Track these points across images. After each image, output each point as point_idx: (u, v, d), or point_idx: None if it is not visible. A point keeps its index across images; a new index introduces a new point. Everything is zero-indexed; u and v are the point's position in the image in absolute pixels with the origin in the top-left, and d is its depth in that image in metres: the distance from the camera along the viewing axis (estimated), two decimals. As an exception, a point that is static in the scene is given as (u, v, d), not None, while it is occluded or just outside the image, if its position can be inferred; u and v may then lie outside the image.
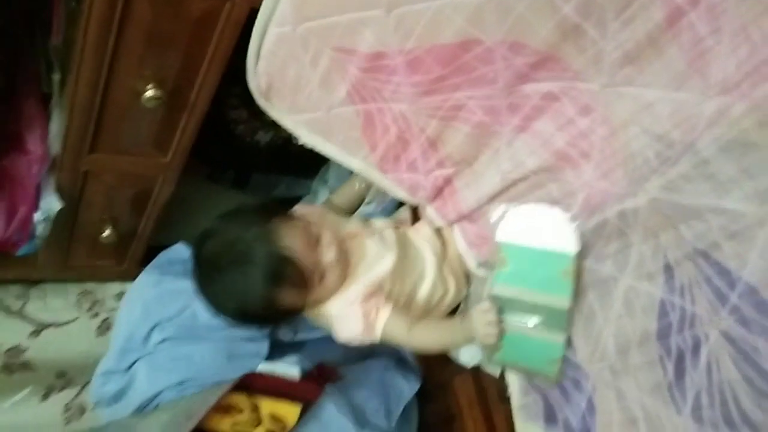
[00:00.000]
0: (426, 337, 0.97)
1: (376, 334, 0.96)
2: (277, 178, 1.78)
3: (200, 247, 0.94)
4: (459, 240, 1.00)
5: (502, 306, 0.85)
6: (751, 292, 0.64)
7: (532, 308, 0.83)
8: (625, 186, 0.76)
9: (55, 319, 1.47)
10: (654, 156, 0.73)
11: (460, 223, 0.99)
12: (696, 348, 0.70)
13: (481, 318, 0.87)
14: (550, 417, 0.87)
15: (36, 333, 1.44)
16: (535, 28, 0.73)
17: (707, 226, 0.68)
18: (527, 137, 0.84)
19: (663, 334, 0.73)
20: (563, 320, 0.82)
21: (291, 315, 0.96)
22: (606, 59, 0.72)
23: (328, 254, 0.92)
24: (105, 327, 1.52)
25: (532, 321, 0.84)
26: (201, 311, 1.10)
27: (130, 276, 1.48)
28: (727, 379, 0.66)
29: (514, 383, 0.93)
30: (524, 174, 0.86)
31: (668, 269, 0.72)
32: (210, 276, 0.93)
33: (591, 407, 0.82)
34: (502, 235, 0.86)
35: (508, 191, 0.89)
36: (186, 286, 1.12)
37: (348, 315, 0.96)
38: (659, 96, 0.71)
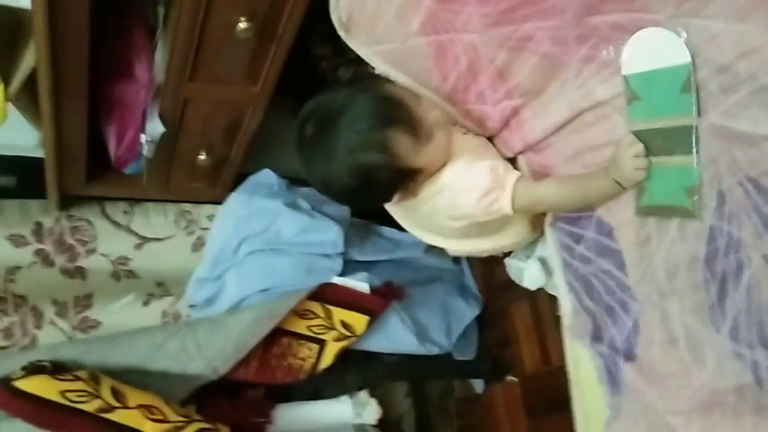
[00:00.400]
0: (567, 191, 0.93)
1: (507, 192, 0.92)
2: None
3: (302, 127, 0.94)
4: (523, 170, 1.04)
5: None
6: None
7: (665, 134, 0.82)
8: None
9: (156, 234, 1.63)
10: (718, 88, 0.75)
11: (525, 153, 1.04)
12: (739, 271, 0.73)
13: (627, 152, 0.83)
14: (596, 336, 0.93)
15: (140, 246, 1.60)
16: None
17: (761, 154, 0.70)
18: (595, 67, 0.87)
19: (710, 258, 0.77)
20: (691, 140, 0.79)
21: (407, 175, 0.92)
22: (672, -10, 0.74)
23: (434, 111, 0.93)
24: (199, 244, 1.67)
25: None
26: (285, 228, 1.22)
27: (222, 199, 1.61)
28: (766, 301, 0.70)
29: (566, 305, 0.99)
30: (592, 103, 0.89)
31: (721, 196, 0.75)
32: (316, 145, 0.91)
33: (636, 327, 0.87)
34: (625, 68, 0.84)
35: (575, 122, 0.93)
36: (272, 205, 1.24)
37: (473, 170, 0.93)
38: (723, 27, 0.72)
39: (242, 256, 1.22)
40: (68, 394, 1.00)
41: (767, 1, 0.68)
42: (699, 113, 0.77)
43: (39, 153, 1.35)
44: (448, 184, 0.95)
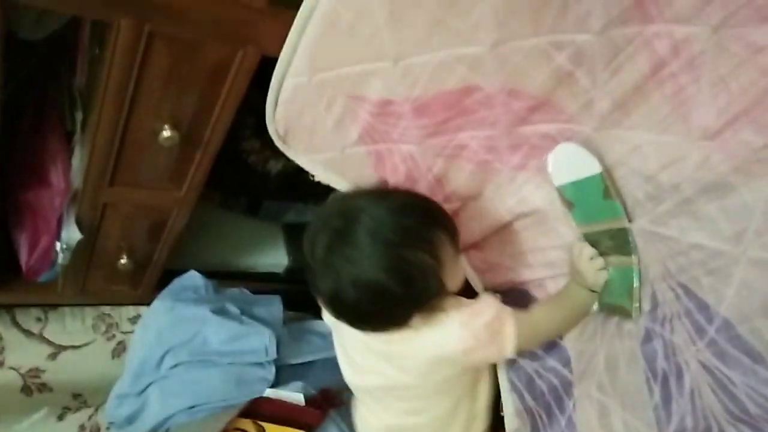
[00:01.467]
0: (555, 322, 0.88)
1: (509, 344, 0.82)
2: (288, 204, 1.83)
3: (316, 234, 0.82)
4: (465, 266, 1.04)
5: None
6: (727, 327, 0.68)
7: (609, 235, 0.83)
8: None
9: (73, 342, 1.51)
10: (644, 197, 0.77)
11: (466, 251, 1.04)
12: (680, 375, 0.73)
13: (582, 259, 0.84)
14: None
15: (54, 355, 1.48)
16: (531, 76, 0.78)
17: (689, 261, 0.72)
18: (528, 174, 0.88)
19: (650, 359, 0.77)
20: (628, 242, 0.80)
21: (439, 291, 0.80)
22: (596, 105, 0.77)
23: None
24: (120, 349, 1.57)
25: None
26: (212, 336, 1.15)
27: (146, 300, 1.53)
28: (709, 406, 0.70)
29: (508, 406, 0.96)
30: (528, 209, 0.91)
31: (654, 299, 0.77)
32: (345, 242, 0.77)
33: (571, 425, 0.86)
34: (554, 180, 0.86)
35: (513, 224, 0.95)
36: (198, 312, 1.17)
37: (470, 327, 0.82)
38: (646, 139, 0.75)
39: (166, 369, 1.14)
40: None
41: (685, 116, 0.71)
42: (629, 218, 0.79)
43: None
44: (449, 314, 0.83)
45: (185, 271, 1.46)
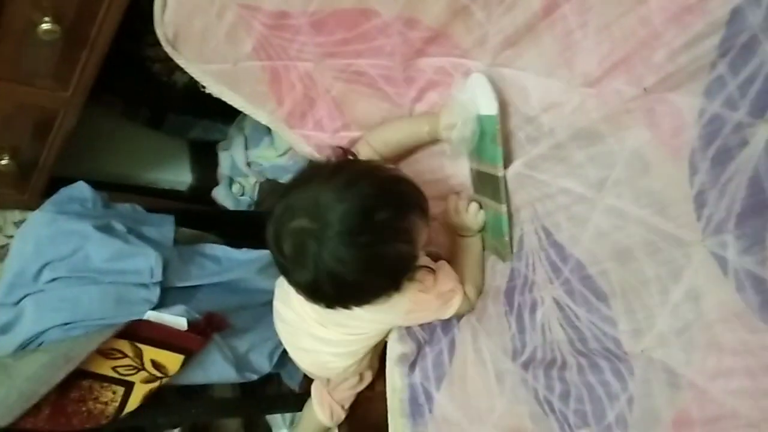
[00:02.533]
0: (479, 280, 0.92)
1: (455, 305, 0.89)
2: (193, 120, 1.77)
3: (278, 240, 0.75)
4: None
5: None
6: (579, 268, 0.72)
7: (487, 179, 0.85)
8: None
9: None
10: (524, 138, 0.79)
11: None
12: (533, 309, 0.78)
13: (468, 216, 0.90)
14: (412, 365, 0.94)
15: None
16: (428, 5, 0.76)
17: (555, 205, 0.75)
18: (424, 107, 0.88)
19: (509, 293, 0.82)
20: (500, 191, 0.83)
21: (412, 262, 0.79)
22: (490, 41, 0.77)
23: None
24: (3, 254, 1.49)
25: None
26: (94, 253, 1.10)
27: (32, 206, 1.44)
28: (556, 340, 0.75)
29: (393, 333, 0.99)
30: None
31: (520, 242, 0.80)
32: (314, 250, 0.72)
33: (452, 345, 0.91)
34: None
35: (408, 157, 0.96)
36: (81, 227, 1.12)
37: (422, 299, 0.86)
38: (533, 81, 0.76)
39: (43, 283, 1.09)
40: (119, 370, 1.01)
41: (570, 60, 0.72)
42: (505, 165, 0.80)
43: None
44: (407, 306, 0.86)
45: (79, 179, 1.39)
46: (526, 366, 0.77)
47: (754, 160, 0.55)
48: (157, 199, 1.68)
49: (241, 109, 1.03)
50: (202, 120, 1.77)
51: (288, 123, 1.01)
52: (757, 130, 0.55)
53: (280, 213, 0.75)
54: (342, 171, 0.75)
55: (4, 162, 1.24)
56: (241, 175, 1.77)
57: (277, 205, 0.76)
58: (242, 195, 1.80)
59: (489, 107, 0.80)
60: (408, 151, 0.96)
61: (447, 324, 0.93)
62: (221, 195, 1.80)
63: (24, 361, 1.00)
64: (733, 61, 0.56)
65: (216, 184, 1.82)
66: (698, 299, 0.60)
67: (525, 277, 0.79)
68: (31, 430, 0.99)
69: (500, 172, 0.81)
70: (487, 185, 0.85)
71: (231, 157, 1.75)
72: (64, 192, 1.24)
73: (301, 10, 0.82)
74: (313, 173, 0.77)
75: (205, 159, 1.83)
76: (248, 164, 1.72)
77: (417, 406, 0.90)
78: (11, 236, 1.50)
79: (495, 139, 0.80)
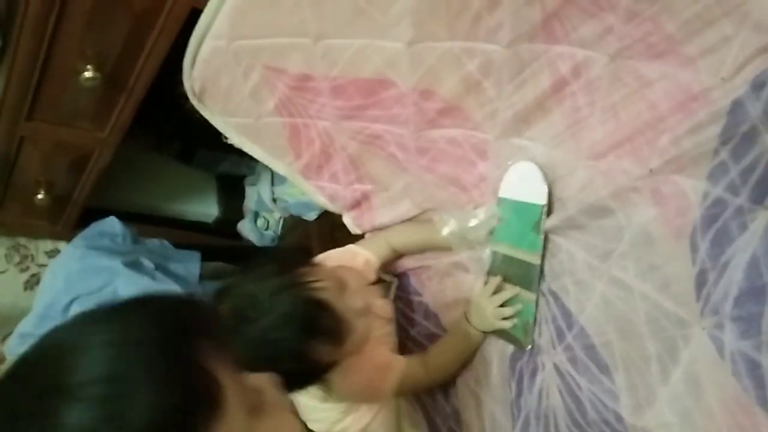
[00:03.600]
0: (446, 367, 0.92)
1: (392, 383, 0.90)
2: (222, 155, 1.82)
3: (223, 299, 0.81)
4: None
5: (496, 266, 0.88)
6: (583, 336, 0.73)
7: (518, 265, 0.84)
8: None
9: (-16, 269, 1.50)
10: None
11: (373, 233, 1.07)
12: (533, 374, 0.79)
13: (491, 304, 0.85)
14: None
15: (-37, 281, 1.47)
16: (443, 79, 0.79)
17: (562, 269, 0.77)
18: (435, 177, 0.91)
19: (514, 359, 0.83)
20: (534, 279, 0.82)
21: (323, 372, 0.84)
22: (500, 115, 0.80)
23: (358, 301, 0.83)
24: (34, 282, 1.55)
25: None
26: (122, 289, 1.15)
27: (64, 236, 1.51)
28: (552, 406, 0.76)
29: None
30: (434, 205, 0.95)
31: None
32: (238, 333, 0.78)
33: (456, 414, 0.92)
34: (501, 190, 0.86)
35: (421, 217, 0.98)
36: (110, 263, 1.17)
37: (354, 372, 0.87)
38: (541, 151, 0.79)
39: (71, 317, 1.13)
40: None
41: (577, 134, 0.74)
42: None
43: None
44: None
45: (111, 210, 1.45)
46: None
47: (753, 245, 0.57)
48: (185, 232, 1.73)
49: (260, 160, 1.07)
50: (231, 155, 1.82)
51: (304, 175, 1.05)
52: (756, 215, 0.57)
53: (224, 288, 0.81)
54: (271, 279, 0.79)
55: (40, 196, 1.31)
56: (266, 210, 1.81)
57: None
58: (267, 229, 1.83)
59: (538, 196, 0.80)
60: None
61: (447, 391, 0.94)
62: (246, 228, 1.84)
63: None
64: (734, 148, 0.58)
65: (242, 217, 1.87)
66: (697, 382, 0.61)
67: (532, 340, 0.81)
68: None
69: (537, 260, 0.81)
70: (517, 271, 0.84)
71: (257, 193, 1.80)
72: (96, 227, 1.30)
73: (324, 75, 0.85)
74: (255, 269, 0.83)
75: (232, 193, 1.88)
76: (274, 200, 1.76)
77: None
78: (43, 265, 1.56)
79: (538, 227, 0.80)
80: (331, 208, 1.08)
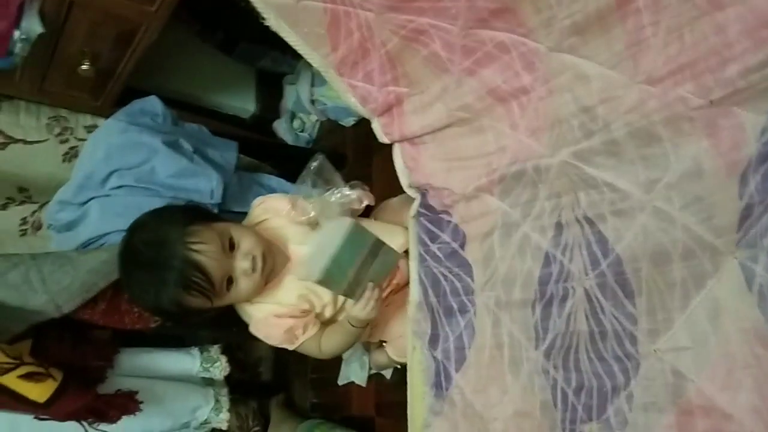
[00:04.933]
0: (334, 345, 1.03)
1: (295, 347, 1.02)
2: (264, 50, 1.80)
3: (129, 238, 0.98)
4: (397, 158, 1.07)
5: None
6: (617, 263, 0.73)
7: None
8: (546, 147, 0.83)
9: (25, 136, 1.52)
10: (578, 126, 0.79)
11: (401, 143, 1.06)
12: (564, 299, 0.80)
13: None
14: (433, 339, 0.99)
15: (4, 145, 1.49)
16: (500, -25, 0.76)
17: (601, 198, 0.76)
18: (475, 82, 0.89)
19: (543, 281, 0.83)
20: None
21: (202, 315, 0.98)
22: (557, 24, 0.76)
23: (243, 263, 0.94)
24: (72, 154, 1.57)
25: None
26: (160, 167, 1.16)
27: (104, 113, 1.52)
28: (578, 330, 0.77)
29: (414, 294, 1.03)
30: (468, 115, 0.92)
31: (559, 227, 0.81)
32: (130, 270, 0.97)
33: (471, 329, 0.93)
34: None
35: (450, 128, 0.96)
36: (151, 140, 1.18)
37: (272, 324, 1.00)
38: (595, 71, 0.76)
39: (110, 189, 1.16)
40: None
41: (636, 56, 0.71)
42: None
43: None
44: (252, 316, 1.02)
45: (149, 92, 1.45)
46: (547, 355, 0.80)
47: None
48: (220, 123, 1.74)
49: (295, 48, 1.05)
50: (273, 51, 1.80)
51: (338, 70, 1.02)
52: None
53: (139, 222, 1.00)
54: (169, 230, 0.95)
55: (84, 67, 1.31)
56: (303, 111, 1.81)
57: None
58: (302, 131, 1.84)
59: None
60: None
61: (464, 305, 0.96)
62: (282, 128, 1.85)
63: (87, 255, 1.09)
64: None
65: (278, 116, 1.87)
66: (718, 311, 0.62)
67: (561, 264, 0.80)
68: (87, 321, 1.09)
69: None
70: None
71: (296, 92, 1.79)
72: (137, 104, 1.31)
73: (374, -43, 0.82)
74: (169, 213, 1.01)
75: (270, 90, 1.87)
76: (312, 101, 1.75)
77: (439, 381, 0.95)
78: (82, 139, 1.58)
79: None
80: (362, 111, 1.06)
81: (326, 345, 1.03)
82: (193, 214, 0.98)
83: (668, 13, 0.67)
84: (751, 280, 0.59)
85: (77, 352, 1.12)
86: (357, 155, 1.66)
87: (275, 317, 1.00)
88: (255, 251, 0.95)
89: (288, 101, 1.84)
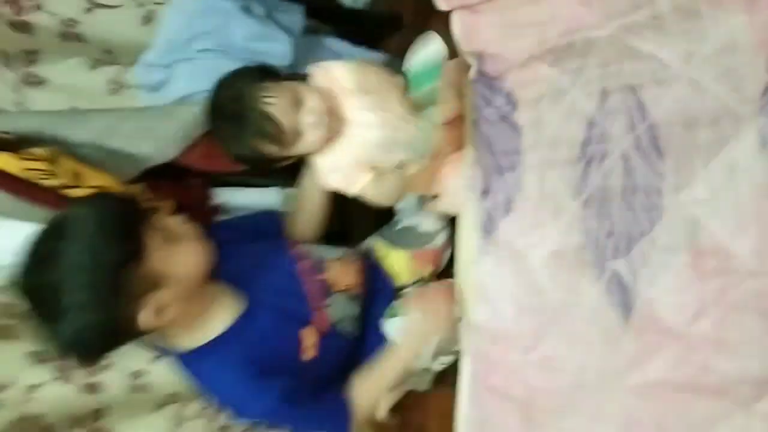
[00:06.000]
0: (389, 191, 1.15)
1: (354, 192, 1.14)
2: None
3: (213, 95, 1.11)
4: (456, 24, 1.13)
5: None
6: (653, 128, 0.83)
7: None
8: (596, 16, 0.90)
9: (106, 1, 1.63)
10: (628, -1, 0.85)
11: (461, 10, 1.12)
12: (602, 158, 0.91)
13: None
14: (484, 192, 1.11)
15: (89, 10, 1.59)
16: None
17: (643, 67, 0.84)
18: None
19: (585, 142, 0.94)
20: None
21: (277, 162, 1.13)
22: None
23: (308, 117, 1.07)
24: (148, 18, 1.67)
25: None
26: (236, 31, 1.26)
27: (175, -23, 1.60)
28: (612, 186, 0.89)
29: (469, 153, 1.16)
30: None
31: (604, 94, 0.90)
32: (217, 123, 1.11)
33: (518, 184, 1.06)
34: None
35: None
36: (226, 5, 1.27)
37: (333, 169, 1.13)
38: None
39: (195, 51, 1.28)
40: (31, 172, 1.07)
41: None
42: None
43: None
44: (318, 165, 1.17)
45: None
46: (584, 205, 0.92)
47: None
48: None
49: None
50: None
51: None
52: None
53: (222, 81, 1.12)
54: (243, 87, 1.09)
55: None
56: (363, -30, 1.82)
57: None
58: (362, -9, 1.86)
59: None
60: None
61: (514, 164, 1.06)
62: (340, -12, 1.87)
63: (182, 108, 1.24)
64: None
65: (336, -25, 1.89)
66: (734, 169, 0.72)
67: (603, 128, 0.90)
68: (186, 165, 1.26)
69: None
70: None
71: (355, -52, 1.79)
72: (209, -30, 1.38)
73: None
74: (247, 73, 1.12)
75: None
76: (370, -40, 1.76)
77: (486, 226, 1.09)
78: (158, 3, 1.68)
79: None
80: None
81: (381, 191, 1.16)
82: (266, 73, 1.11)
83: None
84: (765, 142, 0.69)
85: (180, 192, 1.30)
86: (415, 17, 1.71)
87: (335, 164, 1.15)
88: (319, 108, 1.09)
89: (347, -42, 1.84)
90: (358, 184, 1.15)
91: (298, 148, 1.12)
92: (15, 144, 1.06)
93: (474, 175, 1.15)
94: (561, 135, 0.98)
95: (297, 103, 1.08)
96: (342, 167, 1.15)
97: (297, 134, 1.09)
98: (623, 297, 0.86)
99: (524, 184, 1.05)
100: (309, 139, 1.10)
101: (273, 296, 1.19)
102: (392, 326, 1.30)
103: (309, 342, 1.17)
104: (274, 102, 1.06)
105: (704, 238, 0.76)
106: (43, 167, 1.07)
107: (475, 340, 1.15)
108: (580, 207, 0.94)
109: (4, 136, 1.07)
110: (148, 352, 1.51)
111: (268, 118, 1.06)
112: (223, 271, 1.16)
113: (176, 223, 1.07)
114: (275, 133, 1.07)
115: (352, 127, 1.14)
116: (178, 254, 1.03)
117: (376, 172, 1.15)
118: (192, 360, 1.13)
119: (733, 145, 0.72)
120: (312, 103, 1.09)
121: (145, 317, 0.97)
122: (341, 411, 1.18)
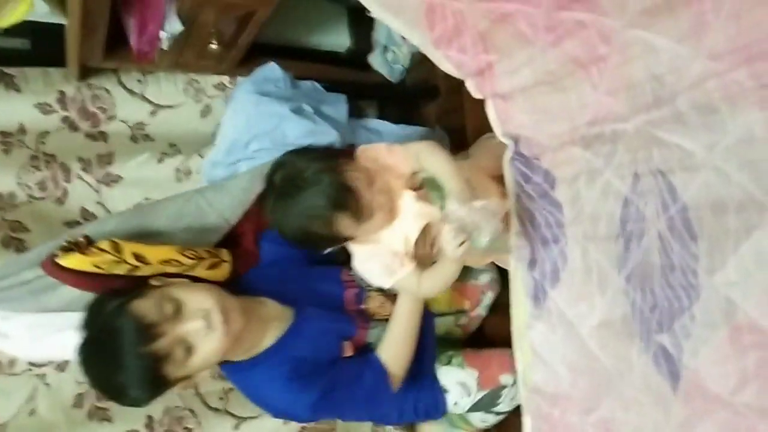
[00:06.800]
0: (433, 284, 1.21)
1: (392, 282, 1.19)
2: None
3: (273, 174, 1.15)
4: (490, 110, 1.23)
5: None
6: (684, 210, 0.90)
7: None
8: (623, 107, 0.97)
9: (168, 102, 1.80)
10: (649, 90, 0.93)
11: (493, 98, 1.22)
12: (641, 236, 0.98)
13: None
14: (532, 263, 1.20)
15: (154, 113, 1.78)
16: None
17: (671, 155, 0.91)
18: (558, 52, 1.02)
19: (623, 220, 1.02)
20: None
21: (341, 242, 1.16)
22: (630, 7, 0.89)
23: (380, 197, 1.11)
24: (206, 111, 1.85)
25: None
26: (290, 131, 1.39)
27: (228, 72, 1.77)
28: (652, 262, 0.96)
29: (514, 225, 1.24)
30: (552, 78, 1.07)
31: (636, 177, 0.97)
32: (280, 199, 1.13)
33: (564, 257, 1.14)
34: None
35: (539, 87, 1.11)
36: (280, 109, 1.41)
37: (371, 257, 1.17)
38: (664, 43, 0.88)
39: (252, 151, 1.42)
40: (100, 265, 1.17)
41: (700, 35, 0.84)
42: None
43: (52, 18, 1.41)
44: (356, 253, 1.23)
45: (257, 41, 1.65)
46: (628, 279, 0.99)
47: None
48: (324, 66, 1.92)
49: (396, 30, 1.22)
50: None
51: (435, 45, 1.18)
52: None
53: (282, 161, 1.23)
54: (319, 162, 1.15)
55: (213, 45, 1.54)
56: (394, 45, 1.94)
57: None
58: (395, 63, 1.98)
59: None
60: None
61: (557, 236, 1.14)
62: (377, 62, 1.99)
63: (235, 180, 1.41)
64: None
65: (371, 50, 2.01)
66: (761, 255, 0.78)
67: (637, 208, 0.97)
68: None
69: None
70: None
71: (387, 26, 1.91)
72: (260, 73, 1.53)
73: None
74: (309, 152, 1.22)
75: (362, 24, 2.00)
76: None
77: (537, 295, 1.17)
78: (212, 96, 1.84)
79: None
80: (456, 74, 1.22)
81: (426, 282, 1.22)
82: (333, 151, 1.20)
83: (729, 1, 0.78)
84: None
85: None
86: (448, 84, 1.81)
87: (375, 253, 1.20)
88: (387, 188, 1.14)
89: (379, 34, 1.96)
90: (398, 273, 1.20)
91: (365, 230, 1.15)
92: (84, 244, 1.18)
93: (520, 246, 1.24)
94: (599, 212, 1.05)
95: (371, 183, 1.13)
96: (382, 255, 1.20)
97: (371, 211, 1.12)
98: (670, 367, 0.92)
99: (569, 256, 1.13)
100: (377, 219, 1.14)
101: (321, 315, 1.28)
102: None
103: (348, 353, 1.30)
104: (356, 175, 1.10)
105: (740, 316, 0.82)
106: (109, 258, 1.18)
107: (534, 400, 1.23)
108: (624, 281, 1.01)
109: (75, 240, 1.18)
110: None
111: (350, 189, 1.09)
112: (277, 292, 1.28)
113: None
114: (356, 204, 1.09)
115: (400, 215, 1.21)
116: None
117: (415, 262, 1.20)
118: (240, 370, 1.23)
119: (760, 234, 0.78)
120: (381, 183, 1.14)
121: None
122: (377, 371, 1.26)
